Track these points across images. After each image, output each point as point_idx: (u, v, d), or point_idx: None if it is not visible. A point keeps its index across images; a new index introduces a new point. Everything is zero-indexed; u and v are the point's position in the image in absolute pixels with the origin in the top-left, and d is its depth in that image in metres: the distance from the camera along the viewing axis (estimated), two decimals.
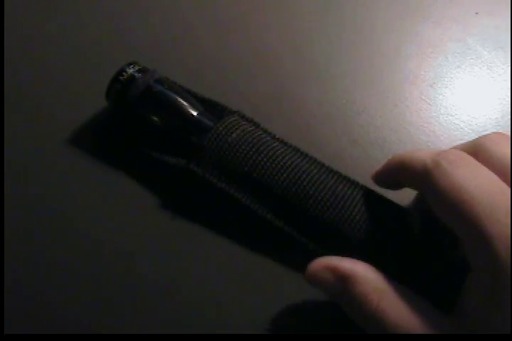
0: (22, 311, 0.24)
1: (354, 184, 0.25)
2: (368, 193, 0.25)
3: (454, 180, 0.20)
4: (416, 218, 0.25)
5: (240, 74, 0.31)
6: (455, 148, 0.23)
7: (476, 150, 0.21)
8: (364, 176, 0.26)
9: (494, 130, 0.30)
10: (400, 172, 0.23)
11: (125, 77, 0.26)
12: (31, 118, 0.29)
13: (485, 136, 0.22)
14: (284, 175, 0.24)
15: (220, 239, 0.26)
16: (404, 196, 0.25)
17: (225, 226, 0.26)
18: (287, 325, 0.24)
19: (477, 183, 0.19)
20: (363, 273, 0.21)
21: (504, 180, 0.20)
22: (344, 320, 0.24)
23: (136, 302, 0.24)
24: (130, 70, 0.26)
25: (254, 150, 0.25)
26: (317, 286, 0.22)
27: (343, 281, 0.21)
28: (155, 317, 0.24)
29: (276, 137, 0.26)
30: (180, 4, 0.34)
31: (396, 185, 0.25)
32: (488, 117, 0.31)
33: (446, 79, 0.32)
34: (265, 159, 0.25)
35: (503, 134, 0.22)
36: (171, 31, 0.33)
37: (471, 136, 0.30)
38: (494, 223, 0.18)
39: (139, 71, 0.26)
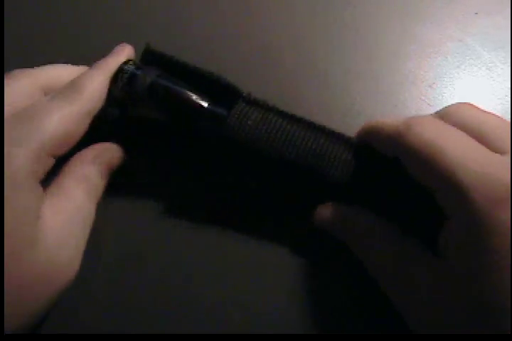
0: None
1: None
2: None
3: (424, 138, 0.21)
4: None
5: (239, 74, 0.31)
6: None
7: (442, 116, 0.23)
8: None
9: None
10: (373, 137, 0.24)
11: (127, 76, 0.26)
12: None
13: (448, 105, 0.24)
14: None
15: (220, 239, 0.26)
16: None
17: (225, 226, 0.26)
18: (287, 324, 0.24)
19: (447, 137, 0.21)
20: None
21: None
22: (345, 320, 0.24)
23: (135, 301, 0.24)
24: (129, 68, 0.26)
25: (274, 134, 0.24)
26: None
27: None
28: (154, 317, 0.24)
29: (290, 114, 0.25)
30: (181, 3, 0.34)
31: None
32: None
33: (445, 79, 0.32)
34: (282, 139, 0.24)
35: (466, 103, 0.23)
36: (171, 31, 0.33)
37: None
38: (467, 172, 0.19)
39: (137, 68, 0.26)
